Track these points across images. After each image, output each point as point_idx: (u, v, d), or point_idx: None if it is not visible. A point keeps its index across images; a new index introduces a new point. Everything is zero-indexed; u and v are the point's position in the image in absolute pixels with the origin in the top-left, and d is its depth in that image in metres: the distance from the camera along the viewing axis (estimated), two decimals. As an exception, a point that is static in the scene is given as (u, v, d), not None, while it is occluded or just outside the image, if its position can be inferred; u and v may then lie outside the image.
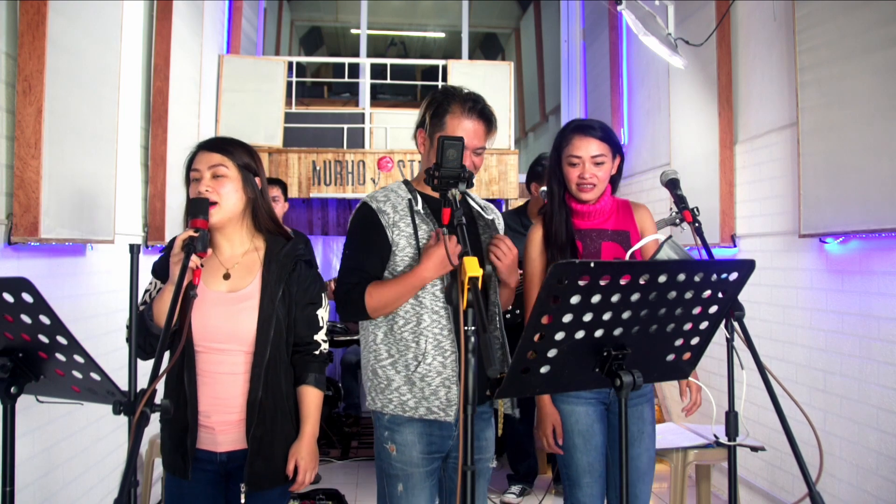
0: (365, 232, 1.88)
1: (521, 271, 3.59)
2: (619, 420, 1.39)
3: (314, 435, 1.81)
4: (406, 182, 1.97)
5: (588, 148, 2.10)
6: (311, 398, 1.82)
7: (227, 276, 1.81)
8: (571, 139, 2.13)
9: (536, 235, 2.20)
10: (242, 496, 1.73)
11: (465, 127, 1.87)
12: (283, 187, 3.97)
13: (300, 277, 1.83)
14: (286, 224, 4.13)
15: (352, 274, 1.87)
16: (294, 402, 1.83)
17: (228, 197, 1.76)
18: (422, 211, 1.88)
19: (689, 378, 2.21)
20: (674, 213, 2.22)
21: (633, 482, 2.12)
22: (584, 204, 2.15)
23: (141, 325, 1.70)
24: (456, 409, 1.84)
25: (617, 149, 2.17)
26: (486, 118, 1.91)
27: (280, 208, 3.91)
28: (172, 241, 1.88)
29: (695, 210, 2.09)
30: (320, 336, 1.87)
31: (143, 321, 1.71)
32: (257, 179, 1.83)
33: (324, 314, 1.88)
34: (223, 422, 1.76)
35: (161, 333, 1.64)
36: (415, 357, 1.83)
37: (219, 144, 1.80)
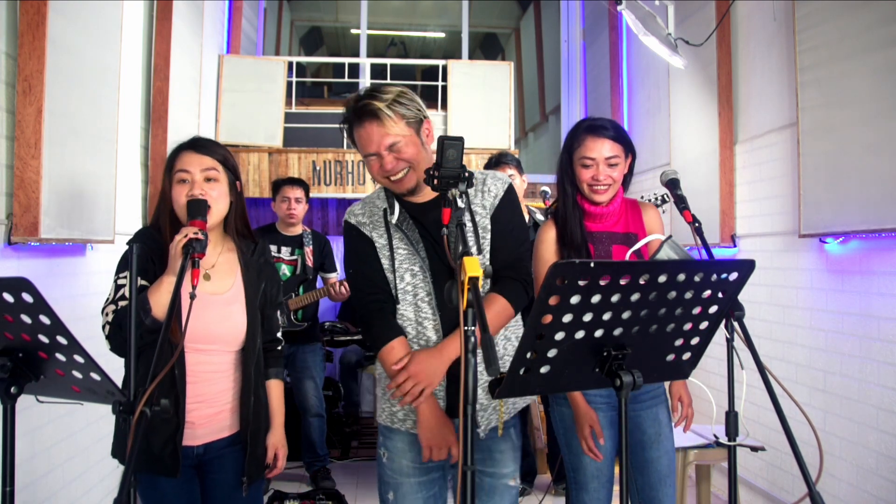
0: (357, 247, 1.82)
1: None
2: (619, 420, 1.38)
3: (283, 424, 1.98)
4: (386, 188, 1.81)
5: (601, 149, 2.05)
6: (277, 390, 1.99)
7: (207, 277, 1.82)
8: (584, 140, 2.08)
9: (549, 235, 2.13)
10: (244, 489, 1.82)
11: (362, 140, 1.70)
12: (306, 189, 3.97)
13: (271, 280, 1.95)
14: (305, 223, 4.15)
15: (365, 290, 1.80)
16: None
17: (219, 201, 1.78)
18: (395, 221, 1.76)
19: (682, 391, 2.21)
20: (654, 196, 2.20)
21: (655, 485, 2.10)
22: (597, 206, 2.11)
23: (126, 321, 1.61)
24: None
25: (629, 148, 2.12)
26: (371, 114, 1.66)
27: (302, 209, 3.91)
28: (139, 233, 1.87)
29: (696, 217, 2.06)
30: (280, 333, 2.04)
31: (127, 316, 1.62)
32: (238, 183, 1.86)
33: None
34: (203, 416, 1.79)
35: (153, 326, 1.64)
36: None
37: (208, 146, 1.80)
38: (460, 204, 1.66)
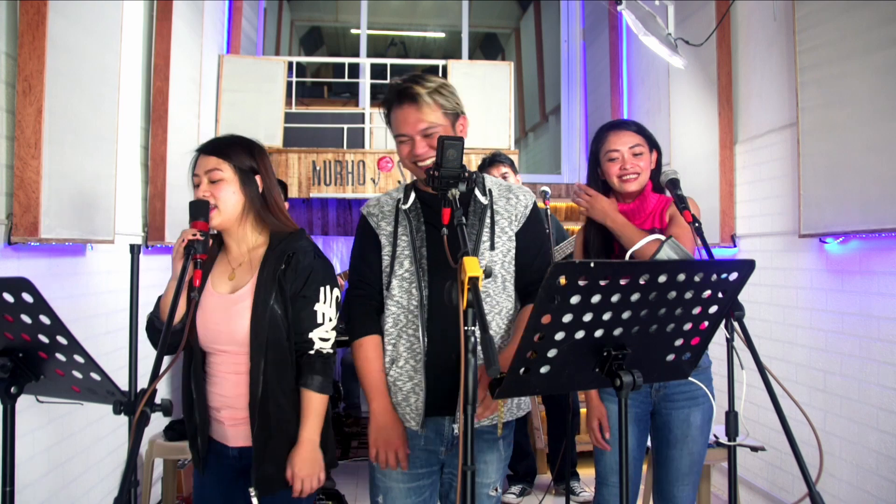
0: (360, 241, 1.87)
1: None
2: (619, 419, 1.38)
3: (311, 440, 1.73)
4: (410, 183, 1.87)
5: (625, 140, 2.14)
6: (309, 402, 1.74)
7: (231, 277, 1.82)
8: (607, 136, 2.17)
9: (579, 242, 2.26)
10: (254, 499, 1.70)
11: (398, 121, 1.76)
12: (283, 187, 3.99)
13: (293, 271, 1.75)
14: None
15: (355, 285, 1.85)
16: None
17: (227, 200, 1.76)
18: (405, 208, 1.79)
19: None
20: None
21: (672, 482, 2.14)
22: (624, 201, 2.17)
23: (152, 325, 1.77)
24: (422, 418, 1.74)
25: (653, 143, 2.20)
26: (410, 97, 1.72)
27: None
28: None
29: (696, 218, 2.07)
30: (317, 334, 1.76)
31: (149, 321, 1.78)
32: (258, 177, 1.81)
33: (323, 309, 1.77)
34: (231, 417, 1.78)
35: (161, 328, 1.69)
36: (391, 359, 1.77)
37: (215, 147, 1.80)
38: (483, 200, 1.78)
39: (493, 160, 3.62)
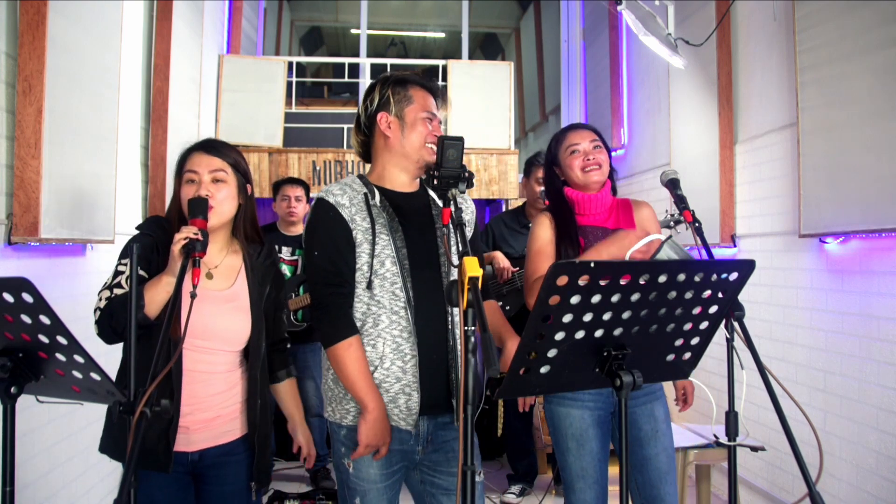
0: (332, 233, 1.76)
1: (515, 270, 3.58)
2: (619, 420, 1.38)
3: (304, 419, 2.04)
4: (360, 176, 1.86)
5: (584, 136, 2.18)
6: (294, 389, 2.02)
7: (209, 276, 1.81)
8: (566, 134, 2.21)
9: (546, 219, 2.17)
10: (254, 494, 1.84)
11: (428, 101, 1.86)
12: (306, 188, 4.02)
13: (276, 283, 1.94)
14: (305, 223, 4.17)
15: (329, 279, 1.75)
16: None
17: (224, 202, 1.78)
18: (378, 204, 1.78)
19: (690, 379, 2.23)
20: (669, 216, 2.21)
21: (655, 483, 2.08)
22: (588, 193, 2.15)
23: (120, 310, 1.63)
24: (416, 417, 1.74)
25: (608, 148, 2.22)
26: (445, 96, 1.95)
27: (302, 208, 3.95)
28: (150, 220, 1.86)
29: (695, 214, 2.08)
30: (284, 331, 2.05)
31: (122, 306, 1.63)
32: (248, 186, 1.86)
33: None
34: (197, 420, 1.75)
35: (143, 322, 1.62)
36: (371, 361, 1.73)
37: (218, 148, 1.81)
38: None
39: (533, 161, 3.69)
